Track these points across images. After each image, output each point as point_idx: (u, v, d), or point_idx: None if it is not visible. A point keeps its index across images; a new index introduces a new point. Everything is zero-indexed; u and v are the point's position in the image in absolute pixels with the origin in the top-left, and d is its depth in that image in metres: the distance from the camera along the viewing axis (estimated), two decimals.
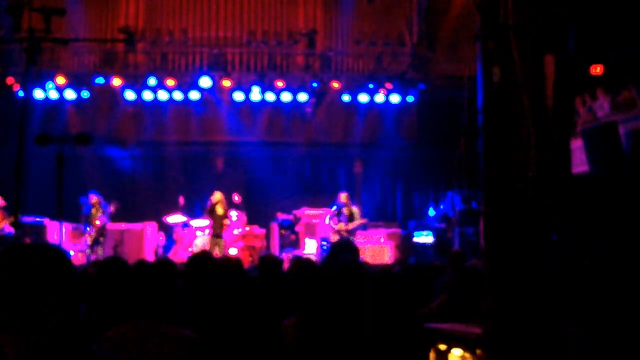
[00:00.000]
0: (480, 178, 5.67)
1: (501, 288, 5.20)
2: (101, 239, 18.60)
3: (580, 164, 12.57)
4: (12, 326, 2.74)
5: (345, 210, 18.64)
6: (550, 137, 5.47)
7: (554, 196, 5.44)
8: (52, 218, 18.34)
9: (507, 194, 5.32)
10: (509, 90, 5.32)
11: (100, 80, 20.81)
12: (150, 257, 18.24)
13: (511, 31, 5.37)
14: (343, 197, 18.85)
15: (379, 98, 21.31)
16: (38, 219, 18.59)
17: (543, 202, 5.28)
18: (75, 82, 20.87)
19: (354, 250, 8.11)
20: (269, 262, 8.20)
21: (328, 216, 18.85)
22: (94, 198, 18.78)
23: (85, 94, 20.96)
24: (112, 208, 18.73)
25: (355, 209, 18.84)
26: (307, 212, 20.15)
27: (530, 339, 4.99)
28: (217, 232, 18.95)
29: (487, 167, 5.41)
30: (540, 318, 5.10)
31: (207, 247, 18.35)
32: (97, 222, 18.56)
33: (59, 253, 2.89)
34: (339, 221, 18.67)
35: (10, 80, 20.14)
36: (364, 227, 19.30)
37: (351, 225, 18.57)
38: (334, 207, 18.78)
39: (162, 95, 21.15)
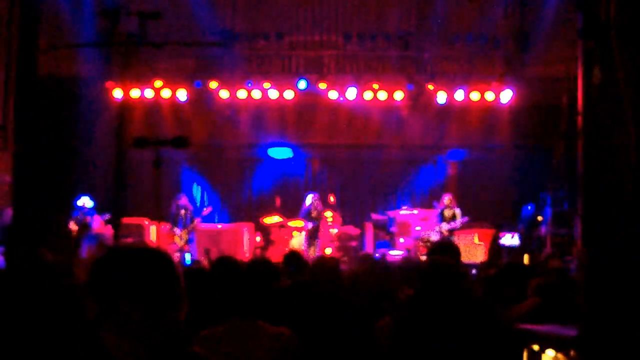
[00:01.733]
0: (578, 180, 5.66)
1: (596, 287, 5.22)
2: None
3: None
4: (114, 326, 2.83)
5: (447, 212, 18.89)
6: None
7: None
8: (152, 219, 18.83)
9: (607, 196, 5.31)
10: (609, 92, 5.28)
11: (197, 84, 21.26)
12: (246, 258, 18.56)
13: (613, 30, 5.31)
14: (446, 199, 19.10)
15: (474, 99, 21.28)
16: (138, 220, 19.04)
17: None
18: (172, 85, 21.30)
19: (452, 250, 8.17)
20: (366, 261, 8.29)
21: (437, 217, 19.12)
22: (183, 199, 19.24)
23: (182, 96, 21.36)
24: (205, 211, 19.18)
25: (457, 211, 19.04)
26: (402, 213, 20.29)
27: (625, 340, 4.99)
28: (312, 234, 19.25)
29: (586, 169, 5.41)
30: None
31: (304, 248, 18.64)
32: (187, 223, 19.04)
33: (162, 255, 3.01)
34: (441, 222, 18.91)
35: (110, 84, 20.62)
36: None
37: (452, 225, 18.81)
38: (439, 209, 19.09)
39: (258, 98, 21.41)
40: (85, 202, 18.42)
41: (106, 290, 2.84)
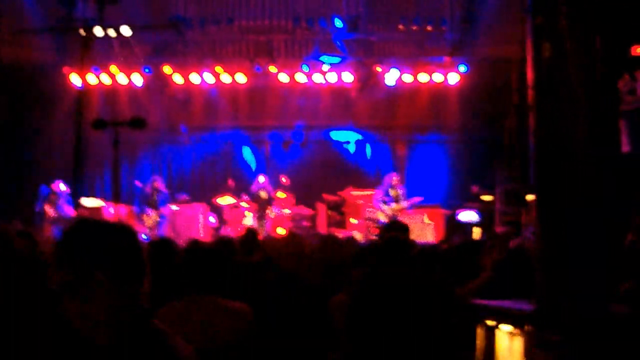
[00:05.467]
0: (530, 154, 5.77)
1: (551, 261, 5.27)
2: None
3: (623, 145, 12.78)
4: (79, 296, 2.82)
5: (392, 192, 19.03)
6: (601, 114, 5.49)
7: (603, 173, 5.49)
8: (108, 201, 18.92)
9: (559, 167, 5.40)
10: (559, 66, 5.38)
11: (148, 69, 21.52)
12: (202, 237, 18.74)
13: (562, 6, 5.42)
14: (393, 179, 19.22)
15: (422, 81, 21.60)
16: (96, 202, 19.15)
17: (593, 178, 5.39)
18: (127, 70, 21.43)
19: (403, 228, 8.37)
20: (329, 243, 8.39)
21: (380, 196, 19.16)
22: (158, 182, 19.36)
23: (138, 81, 21.57)
24: (182, 198, 19.31)
25: (400, 191, 19.18)
26: (353, 193, 20.52)
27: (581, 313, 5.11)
28: (260, 214, 19.52)
29: (538, 142, 5.52)
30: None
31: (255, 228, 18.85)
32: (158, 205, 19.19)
33: (128, 229, 3.05)
34: (386, 202, 18.99)
35: (66, 70, 20.78)
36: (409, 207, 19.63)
37: (403, 204, 18.95)
38: (384, 189, 19.17)
39: (211, 82, 21.74)
40: (60, 186, 18.58)
41: (74, 259, 2.85)
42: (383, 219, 18.42)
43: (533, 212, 5.54)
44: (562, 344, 5.06)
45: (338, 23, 21.26)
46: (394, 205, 18.93)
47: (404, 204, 19.06)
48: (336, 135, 22.93)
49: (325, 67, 21.58)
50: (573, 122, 5.27)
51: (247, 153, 23.00)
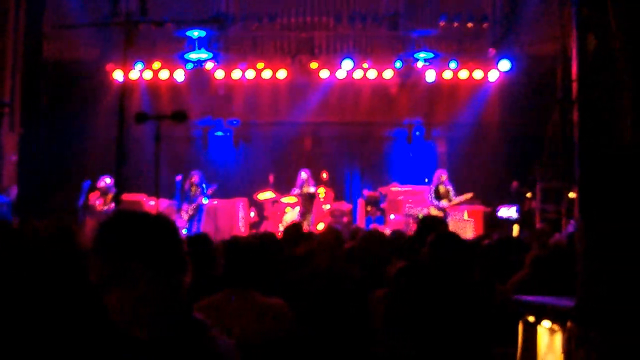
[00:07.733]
0: (574, 148, 5.66)
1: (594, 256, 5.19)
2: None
3: None
4: (120, 288, 2.79)
5: (441, 189, 18.85)
6: None
7: None
8: (149, 195, 19.01)
9: (604, 162, 5.30)
10: (604, 58, 5.28)
11: (189, 65, 21.74)
12: (242, 232, 18.89)
13: None
14: (442, 175, 19.03)
15: (462, 77, 21.61)
16: (136, 196, 19.24)
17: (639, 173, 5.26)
18: (170, 66, 21.72)
19: (438, 223, 8.33)
20: (371, 237, 8.42)
21: (430, 193, 18.96)
22: (196, 177, 19.42)
23: (179, 77, 21.82)
24: (210, 190, 19.35)
25: (450, 188, 18.94)
26: (393, 189, 20.54)
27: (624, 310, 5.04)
28: (306, 210, 19.53)
29: (582, 135, 5.43)
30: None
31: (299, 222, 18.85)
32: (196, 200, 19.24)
33: (166, 220, 3.00)
34: (435, 199, 18.77)
35: (109, 67, 21.09)
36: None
37: (456, 199, 18.89)
38: (433, 186, 19.00)
39: (252, 78, 21.91)
40: (106, 181, 18.73)
41: (114, 252, 2.82)
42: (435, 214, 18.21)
43: (575, 207, 5.45)
44: (603, 340, 5.02)
45: None
46: (444, 202, 18.78)
47: (456, 199, 18.92)
48: (376, 131, 22.93)
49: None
50: (619, 116, 5.18)
51: None
